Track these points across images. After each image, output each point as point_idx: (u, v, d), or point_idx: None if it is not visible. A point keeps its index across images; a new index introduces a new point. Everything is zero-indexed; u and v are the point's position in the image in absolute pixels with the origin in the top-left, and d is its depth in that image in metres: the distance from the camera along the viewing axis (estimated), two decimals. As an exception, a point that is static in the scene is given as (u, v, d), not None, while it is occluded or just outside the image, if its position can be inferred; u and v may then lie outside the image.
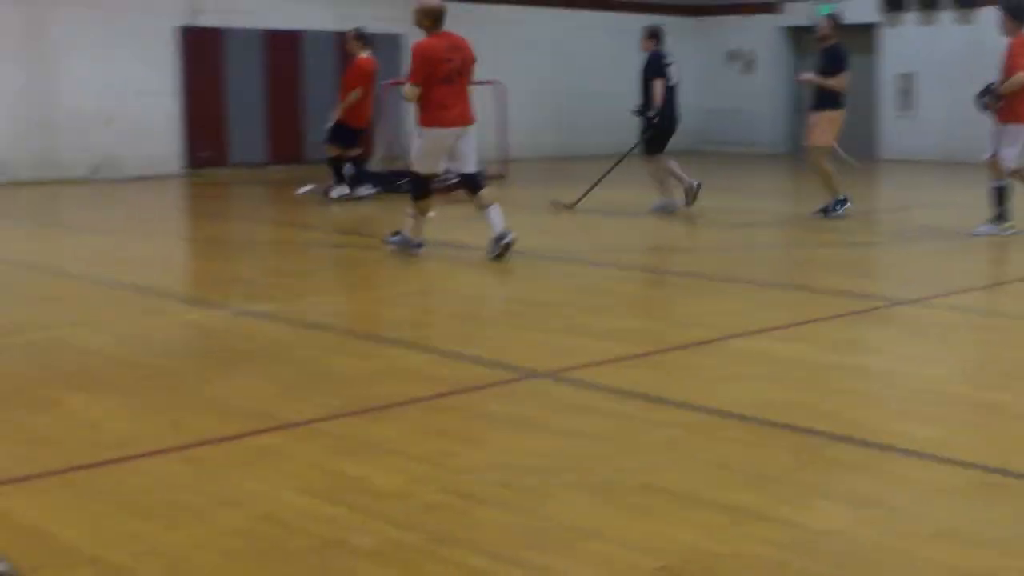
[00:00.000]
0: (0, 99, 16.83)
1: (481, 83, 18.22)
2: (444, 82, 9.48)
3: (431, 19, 9.62)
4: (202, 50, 18.62)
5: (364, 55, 14.58)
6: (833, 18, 12.57)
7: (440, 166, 9.98)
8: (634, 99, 12.95)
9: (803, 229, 12.20)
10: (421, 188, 9.79)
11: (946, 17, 22.14)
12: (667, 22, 25.53)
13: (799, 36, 23.98)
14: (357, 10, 20.26)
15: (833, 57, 12.37)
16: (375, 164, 16.80)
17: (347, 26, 20.03)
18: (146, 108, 18.05)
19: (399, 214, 10.29)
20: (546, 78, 22.65)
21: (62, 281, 8.90)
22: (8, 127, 16.94)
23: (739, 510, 3.96)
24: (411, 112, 19.00)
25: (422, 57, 9.55)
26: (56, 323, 7.25)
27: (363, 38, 14.67)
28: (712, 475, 4.34)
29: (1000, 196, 10.97)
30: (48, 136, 17.30)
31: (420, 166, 9.76)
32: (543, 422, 5.06)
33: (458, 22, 10.06)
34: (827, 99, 12.39)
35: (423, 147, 9.73)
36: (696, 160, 18.05)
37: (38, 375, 5.94)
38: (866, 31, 22.36)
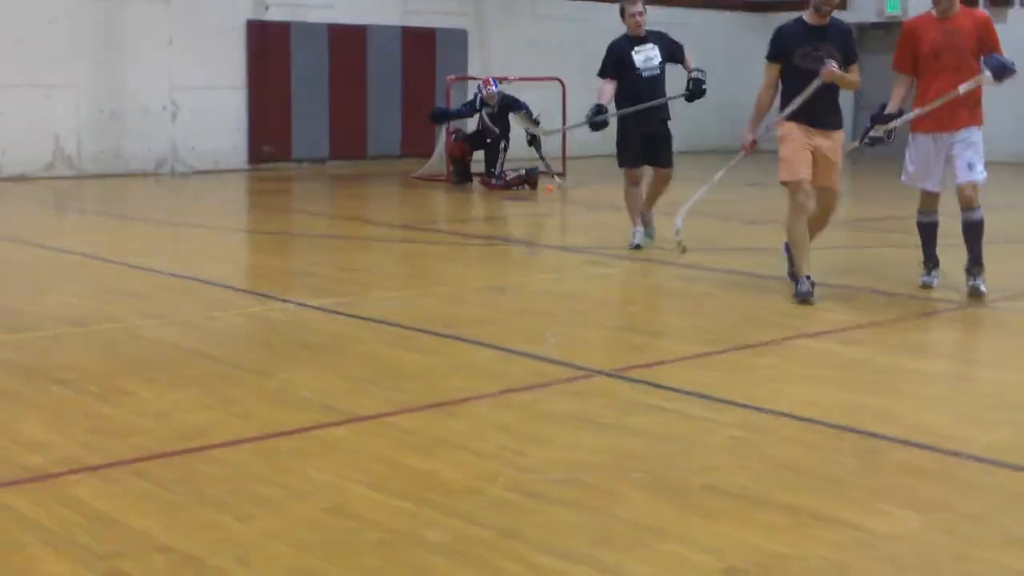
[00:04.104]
0: (71, 93, 17.05)
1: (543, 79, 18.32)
2: None
3: None
4: (268, 44, 18.76)
5: None
6: None
7: None
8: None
9: (868, 230, 12.12)
10: None
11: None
12: (727, 18, 25.62)
13: (863, 33, 23.77)
14: (422, 5, 20.37)
15: None
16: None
17: (413, 22, 20.23)
18: (212, 102, 18.23)
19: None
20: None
21: (130, 273, 9.02)
22: (77, 121, 17.16)
23: (803, 512, 3.96)
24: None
25: None
26: (125, 315, 7.36)
27: None
28: (776, 477, 4.35)
29: None
30: (115, 130, 17.49)
31: None
32: (608, 420, 5.09)
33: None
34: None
35: None
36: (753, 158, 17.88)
37: (108, 366, 6.03)
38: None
